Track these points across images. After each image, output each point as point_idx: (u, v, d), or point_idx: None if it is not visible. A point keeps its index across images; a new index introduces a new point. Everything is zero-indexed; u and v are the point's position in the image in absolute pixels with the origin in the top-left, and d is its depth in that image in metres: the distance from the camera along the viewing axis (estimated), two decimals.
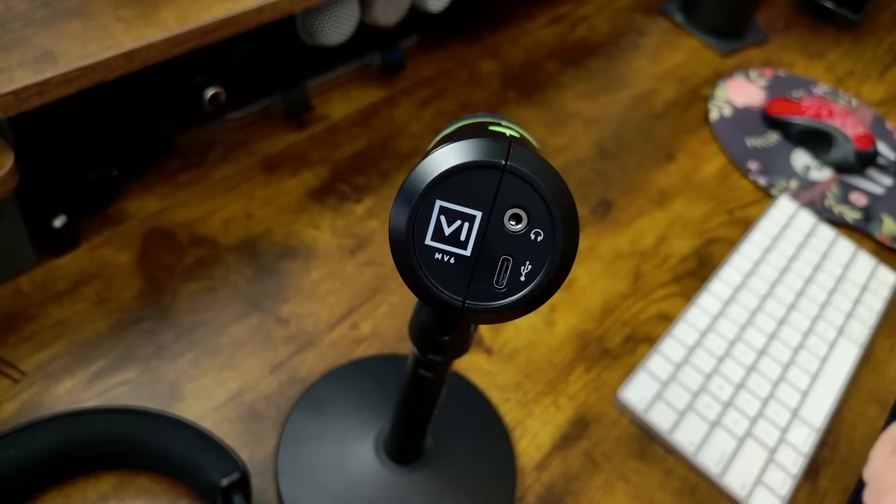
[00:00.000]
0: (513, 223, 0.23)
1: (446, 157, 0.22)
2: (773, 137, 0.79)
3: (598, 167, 0.71)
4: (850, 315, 0.62)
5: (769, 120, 0.80)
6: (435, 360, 0.34)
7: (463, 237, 0.23)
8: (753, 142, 0.78)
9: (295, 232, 0.58)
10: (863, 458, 0.54)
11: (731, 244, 0.66)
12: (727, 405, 0.54)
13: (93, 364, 0.47)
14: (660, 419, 0.52)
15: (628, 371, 0.55)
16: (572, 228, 0.23)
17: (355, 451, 0.45)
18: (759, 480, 0.50)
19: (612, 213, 0.66)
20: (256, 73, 0.62)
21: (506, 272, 0.24)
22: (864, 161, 0.75)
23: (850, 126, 0.75)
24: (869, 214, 0.73)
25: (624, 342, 0.57)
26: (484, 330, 0.55)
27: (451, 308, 0.24)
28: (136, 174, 0.59)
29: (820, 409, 0.55)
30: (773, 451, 0.52)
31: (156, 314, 0.51)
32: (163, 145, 0.61)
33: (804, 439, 0.53)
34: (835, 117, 0.76)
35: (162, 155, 0.61)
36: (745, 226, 0.69)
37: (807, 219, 0.69)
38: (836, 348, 0.59)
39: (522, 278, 0.23)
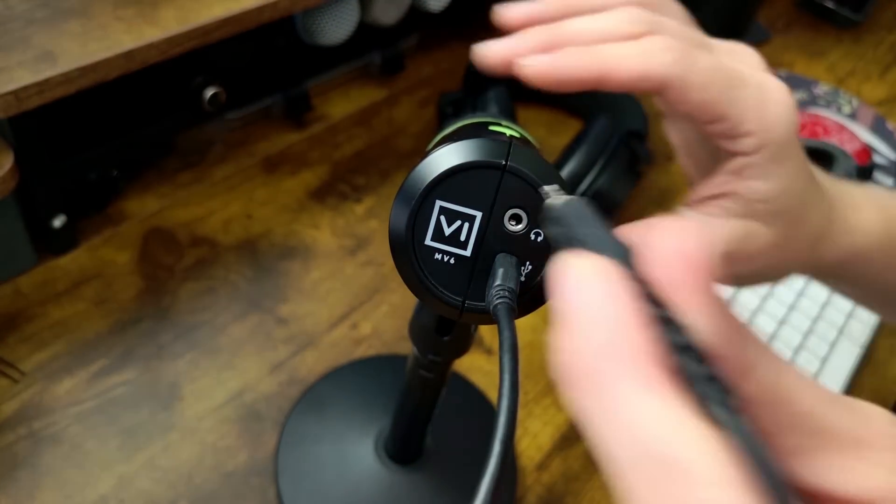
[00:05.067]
0: (513, 223, 0.23)
1: (446, 158, 0.22)
2: None
3: None
4: (850, 315, 0.62)
5: None
6: (435, 361, 0.34)
7: (463, 237, 0.23)
8: None
9: (295, 232, 0.58)
10: None
11: None
12: None
13: (93, 364, 0.47)
14: None
15: None
16: None
17: (355, 452, 0.45)
18: None
19: (612, 213, 0.66)
20: (256, 73, 0.62)
21: None
22: (865, 176, 0.74)
23: (847, 142, 0.74)
24: None
25: None
26: (484, 330, 0.55)
27: (450, 308, 0.24)
28: (136, 174, 0.59)
29: None
30: None
31: (156, 314, 0.51)
32: (163, 145, 0.61)
33: None
34: (831, 134, 0.75)
35: (162, 155, 0.61)
36: None
37: None
38: (836, 349, 0.59)
39: (522, 278, 0.23)
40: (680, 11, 0.31)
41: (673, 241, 0.15)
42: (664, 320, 0.14)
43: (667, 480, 0.12)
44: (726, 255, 0.29)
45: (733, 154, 0.28)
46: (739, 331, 0.15)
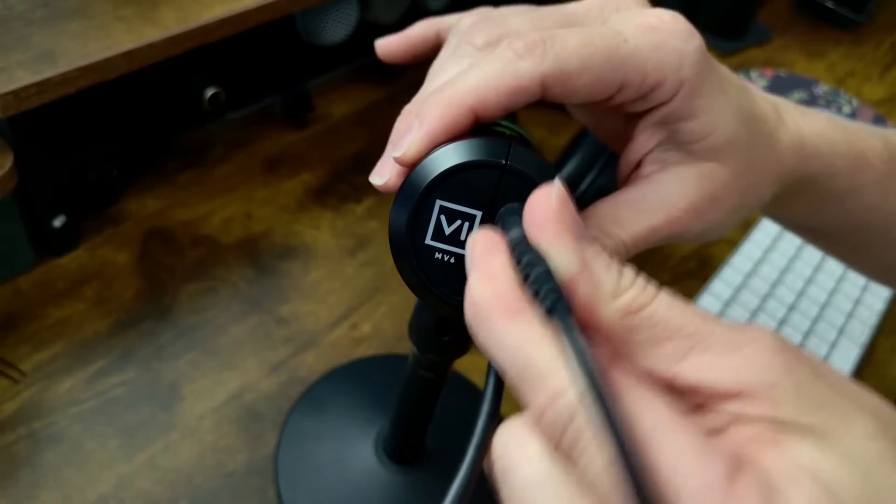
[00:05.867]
0: None
1: (446, 157, 0.22)
2: None
3: None
4: (850, 315, 0.62)
5: None
6: (435, 361, 0.34)
7: (463, 237, 0.23)
8: None
9: (295, 232, 0.58)
10: None
11: (732, 244, 0.66)
12: None
13: (92, 364, 0.47)
14: None
15: None
16: None
17: (355, 452, 0.45)
18: None
19: None
20: (256, 73, 0.62)
21: None
22: None
23: None
24: None
25: None
26: None
27: (450, 308, 0.24)
28: (137, 174, 0.59)
29: None
30: None
31: (156, 314, 0.51)
32: (163, 145, 0.61)
33: None
34: None
35: (162, 155, 0.61)
36: (746, 226, 0.69)
37: None
38: (836, 349, 0.59)
39: None
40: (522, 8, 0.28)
41: (535, 197, 0.19)
42: (531, 262, 0.18)
43: (527, 377, 0.17)
44: (691, 211, 0.26)
45: (650, 109, 0.26)
46: (597, 261, 0.19)
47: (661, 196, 0.26)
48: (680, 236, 0.27)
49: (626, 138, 0.28)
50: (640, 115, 0.27)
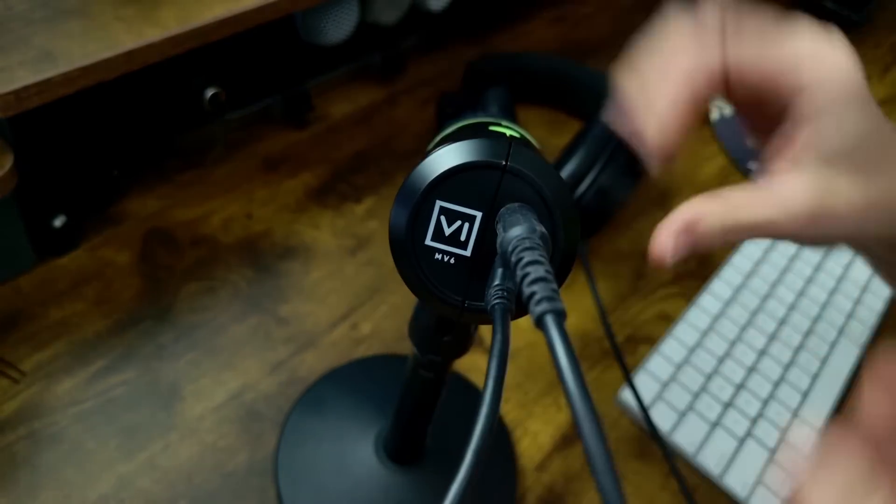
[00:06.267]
0: None
1: (446, 158, 0.22)
2: None
3: None
4: (850, 315, 0.62)
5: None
6: (435, 361, 0.34)
7: (463, 237, 0.23)
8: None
9: (295, 232, 0.58)
10: None
11: (732, 244, 0.66)
12: (728, 406, 0.54)
13: (92, 364, 0.47)
14: (660, 419, 0.52)
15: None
16: (572, 229, 0.23)
17: (355, 452, 0.45)
18: (759, 481, 0.50)
19: (613, 213, 0.66)
20: (256, 73, 0.62)
21: None
22: None
23: None
24: None
25: (624, 342, 0.57)
26: (484, 330, 0.55)
27: (450, 308, 0.24)
28: (137, 174, 0.59)
29: (820, 409, 0.55)
30: (773, 451, 0.52)
31: (156, 314, 0.51)
32: (163, 145, 0.61)
33: (805, 440, 0.53)
34: None
35: (162, 155, 0.61)
36: None
37: None
38: (836, 349, 0.59)
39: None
40: None
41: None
42: (531, 262, 0.19)
43: None
44: (812, 216, 0.28)
45: (784, 113, 0.29)
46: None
47: (780, 195, 0.28)
48: (793, 237, 0.29)
49: (767, 134, 0.31)
50: (780, 117, 0.29)
